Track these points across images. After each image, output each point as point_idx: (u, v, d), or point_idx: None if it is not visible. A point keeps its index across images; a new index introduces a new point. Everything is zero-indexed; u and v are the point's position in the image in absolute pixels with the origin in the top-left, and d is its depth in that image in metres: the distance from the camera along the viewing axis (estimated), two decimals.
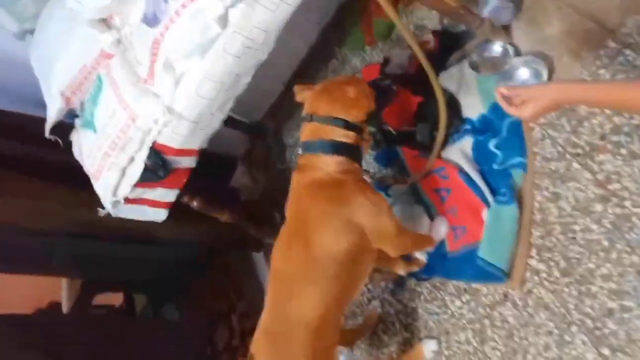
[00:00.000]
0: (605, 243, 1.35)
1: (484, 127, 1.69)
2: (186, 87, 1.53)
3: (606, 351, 1.31)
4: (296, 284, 1.41)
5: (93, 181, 1.77)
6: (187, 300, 3.40)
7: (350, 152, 1.43)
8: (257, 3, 1.35)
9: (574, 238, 1.42)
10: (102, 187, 1.74)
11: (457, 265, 1.68)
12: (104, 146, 1.65)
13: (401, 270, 1.78)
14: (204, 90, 1.53)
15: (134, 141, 1.62)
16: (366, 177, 1.56)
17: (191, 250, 3.13)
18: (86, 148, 1.75)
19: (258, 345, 1.46)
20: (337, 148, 1.41)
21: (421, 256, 1.78)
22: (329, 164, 1.41)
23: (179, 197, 1.92)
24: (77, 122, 1.91)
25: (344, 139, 1.41)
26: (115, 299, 3.80)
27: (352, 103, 1.42)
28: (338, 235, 1.37)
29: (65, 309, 3.18)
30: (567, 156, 1.47)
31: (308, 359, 1.40)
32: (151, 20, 1.47)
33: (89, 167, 1.75)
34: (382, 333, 2.00)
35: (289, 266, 1.44)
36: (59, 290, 3.29)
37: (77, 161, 1.88)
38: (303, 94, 1.54)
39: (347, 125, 1.42)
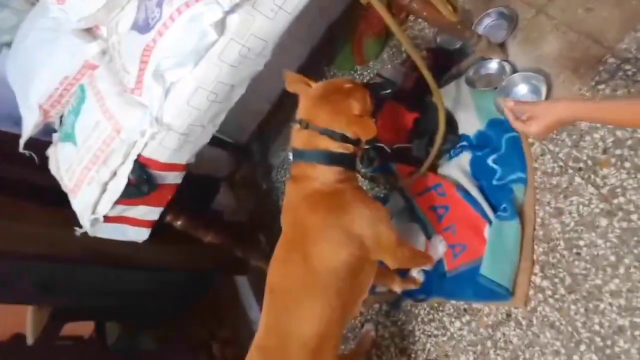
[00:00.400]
0: (613, 258, 1.32)
1: (482, 143, 1.67)
2: (177, 97, 1.45)
3: None
4: (294, 298, 1.33)
5: (71, 197, 1.65)
6: (164, 329, 3.22)
7: (347, 161, 1.38)
8: (257, 10, 1.30)
9: (578, 254, 1.39)
10: (80, 203, 1.63)
11: (457, 284, 1.62)
12: (85, 159, 1.55)
13: (397, 287, 1.72)
14: (195, 101, 1.46)
15: (117, 154, 1.52)
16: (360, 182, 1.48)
17: (175, 276, 2.98)
18: (65, 162, 1.64)
19: None
20: (335, 159, 1.35)
21: (418, 275, 1.72)
22: (327, 175, 1.35)
23: (162, 215, 1.82)
24: (55, 136, 1.81)
25: (341, 150, 1.35)
26: (85, 329, 3.58)
27: (356, 121, 1.34)
28: (338, 247, 1.31)
29: (30, 340, 2.95)
30: (569, 171, 1.45)
31: None
32: (142, 26, 1.40)
33: (66, 182, 1.63)
34: (377, 358, 1.90)
35: (286, 280, 1.36)
36: (24, 321, 3.06)
37: (53, 180, 1.76)
38: (297, 87, 1.43)
39: (346, 139, 1.36)
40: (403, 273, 1.73)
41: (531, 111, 1.14)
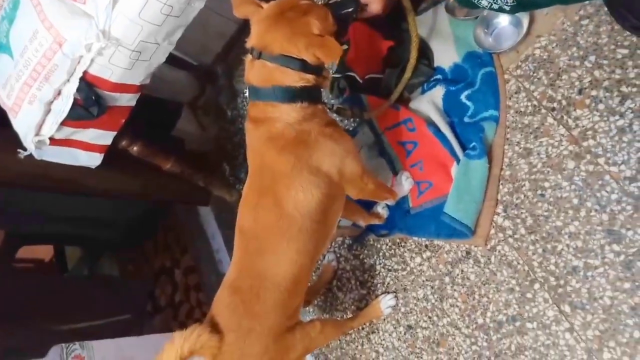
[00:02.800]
0: (575, 201, 1.31)
1: (457, 77, 1.59)
2: (126, 7, 1.30)
3: (567, 308, 1.30)
4: (270, 241, 1.30)
5: (11, 117, 1.51)
6: (127, 254, 3.19)
7: (311, 95, 1.27)
8: None
9: (542, 195, 1.38)
10: (23, 124, 1.50)
11: (421, 221, 1.61)
12: (24, 75, 1.40)
13: (361, 221, 1.70)
14: (148, 13, 1.32)
15: (60, 70, 1.38)
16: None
17: (133, 205, 2.90)
18: (1, 77, 1.48)
19: (221, 302, 1.35)
20: (296, 95, 1.24)
21: (383, 210, 1.70)
22: (289, 114, 1.25)
23: (116, 140, 1.71)
24: None
25: (303, 83, 1.23)
26: (45, 252, 3.52)
27: (317, 43, 1.19)
28: (310, 188, 1.26)
29: None
30: (542, 110, 1.41)
31: (279, 317, 1.34)
32: None
33: (4, 100, 1.48)
34: (337, 290, 1.93)
35: (258, 224, 1.31)
36: None
37: None
38: (246, 9, 1.26)
39: (306, 68, 1.22)
40: (368, 208, 1.71)
41: None
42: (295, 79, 1.22)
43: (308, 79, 1.23)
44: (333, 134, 1.30)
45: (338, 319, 1.90)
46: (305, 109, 1.26)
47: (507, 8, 1.08)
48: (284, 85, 1.22)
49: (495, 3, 1.08)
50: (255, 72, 1.25)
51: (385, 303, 1.70)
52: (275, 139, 1.26)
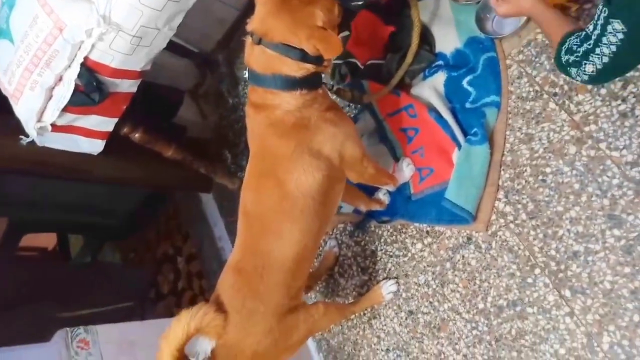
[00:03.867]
0: (577, 186, 1.31)
1: (459, 63, 1.59)
2: None
3: (567, 293, 1.31)
4: (273, 222, 1.32)
5: (12, 103, 1.51)
6: (129, 242, 3.21)
7: (310, 82, 1.26)
8: None
9: (544, 180, 1.38)
10: (24, 110, 1.50)
11: (422, 207, 1.61)
12: (25, 60, 1.40)
13: (363, 207, 1.71)
14: None
15: (61, 56, 1.38)
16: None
17: (134, 193, 2.91)
18: (2, 63, 1.47)
19: (226, 283, 1.36)
20: (296, 84, 1.23)
21: (384, 196, 1.70)
22: (289, 101, 1.25)
23: (117, 127, 1.71)
24: None
25: (302, 73, 1.23)
26: (48, 240, 3.54)
27: (318, 35, 1.17)
28: (312, 170, 1.28)
29: None
30: (544, 96, 1.40)
31: (283, 297, 1.36)
32: None
33: (6, 86, 1.48)
34: (339, 276, 1.94)
35: (261, 207, 1.34)
36: None
37: None
38: None
39: (306, 58, 1.21)
40: (369, 193, 1.72)
41: None
42: (295, 68, 1.22)
43: (307, 68, 1.23)
44: (334, 118, 1.31)
45: (340, 303, 1.91)
46: (304, 95, 1.26)
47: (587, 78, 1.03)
48: (284, 74, 1.22)
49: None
50: (255, 58, 1.24)
51: (386, 289, 1.71)
52: (275, 125, 1.27)
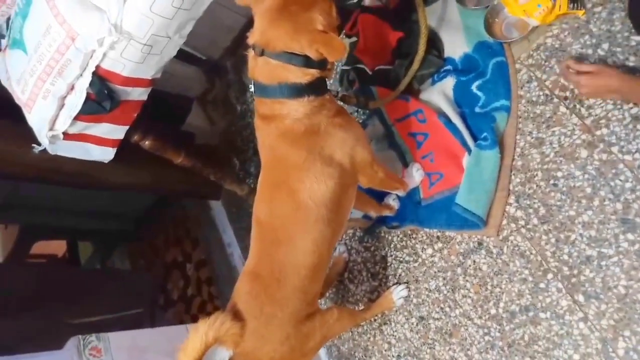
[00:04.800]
0: (589, 190, 1.31)
1: (467, 68, 1.58)
2: (138, 1, 1.30)
3: (581, 298, 1.30)
4: (287, 232, 1.32)
5: (25, 112, 1.53)
6: (139, 249, 3.22)
7: (317, 88, 1.26)
8: None
9: (555, 185, 1.37)
10: (37, 119, 1.51)
11: (432, 212, 1.61)
12: (37, 70, 1.41)
13: (373, 212, 1.71)
14: (159, 7, 1.32)
15: (73, 65, 1.39)
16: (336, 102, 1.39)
17: (143, 199, 2.93)
18: (15, 72, 1.49)
19: (242, 289, 1.36)
20: (302, 91, 1.23)
21: (394, 202, 1.70)
22: (297, 109, 1.25)
23: (128, 135, 1.72)
24: (3, 42, 1.63)
25: (308, 79, 1.23)
26: (58, 248, 3.56)
27: (321, 40, 1.17)
28: (324, 179, 1.28)
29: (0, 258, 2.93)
30: (555, 100, 1.40)
31: (300, 303, 1.35)
32: None
33: (19, 95, 1.50)
34: (349, 282, 1.94)
35: (274, 217, 1.34)
36: None
37: (5, 91, 1.61)
38: None
39: (309, 63, 1.21)
40: (379, 200, 1.71)
41: (588, 67, 1.24)
42: (299, 75, 1.22)
43: (312, 73, 1.23)
44: (342, 123, 1.31)
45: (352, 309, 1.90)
46: (312, 102, 1.26)
47: None
48: (290, 82, 1.22)
49: None
50: (259, 69, 1.24)
51: (397, 294, 1.70)
52: (285, 135, 1.27)
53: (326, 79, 1.32)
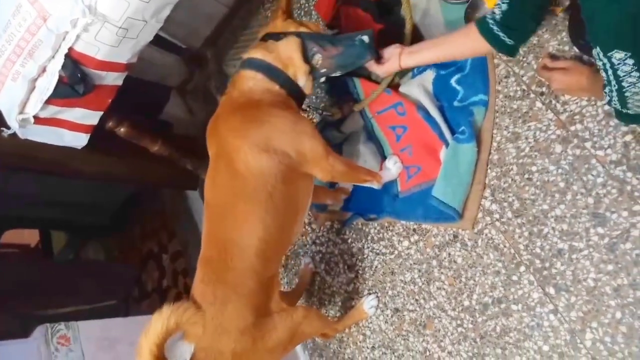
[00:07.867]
0: (562, 184, 1.33)
1: (447, 62, 1.59)
2: None
3: (552, 290, 1.32)
4: (228, 206, 1.34)
5: None
6: (114, 240, 3.16)
7: (270, 71, 1.37)
8: None
9: (530, 179, 1.39)
10: (6, 101, 1.46)
11: (409, 205, 1.62)
12: (6, 50, 1.36)
13: (328, 200, 1.74)
14: None
15: (45, 46, 1.34)
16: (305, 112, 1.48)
17: (120, 193, 2.87)
18: None
19: (196, 278, 1.36)
20: (257, 66, 1.37)
21: (347, 185, 1.72)
22: (247, 81, 1.36)
23: (102, 121, 1.68)
24: None
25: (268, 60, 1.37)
26: (30, 237, 3.47)
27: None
28: (259, 153, 1.29)
29: None
30: (531, 95, 1.41)
31: (253, 283, 1.33)
32: None
33: None
34: (326, 274, 1.94)
35: (216, 191, 1.37)
36: None
37: None
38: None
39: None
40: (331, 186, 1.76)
41: (562, 64, 1.28)
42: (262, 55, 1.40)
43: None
44: (284, 112, 1.35)
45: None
46: (261, 81, 1.37)
47: None
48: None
49: None
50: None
51: (367, 304, 1.72)
52: (227, 104, 1.40)
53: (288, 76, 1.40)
